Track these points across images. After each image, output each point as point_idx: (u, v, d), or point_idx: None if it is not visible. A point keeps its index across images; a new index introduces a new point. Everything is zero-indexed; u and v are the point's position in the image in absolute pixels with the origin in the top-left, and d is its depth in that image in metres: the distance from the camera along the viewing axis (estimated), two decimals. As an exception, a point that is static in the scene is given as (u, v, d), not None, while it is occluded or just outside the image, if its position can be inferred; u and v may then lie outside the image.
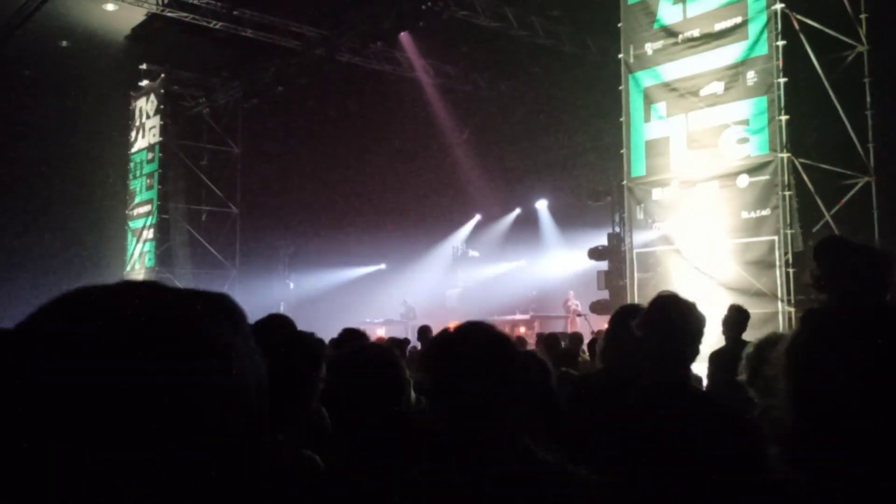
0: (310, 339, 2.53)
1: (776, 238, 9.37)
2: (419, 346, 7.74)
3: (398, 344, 6.92)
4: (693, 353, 2.40)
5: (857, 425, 1.08)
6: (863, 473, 1.08)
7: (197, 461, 0.66)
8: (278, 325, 3.34)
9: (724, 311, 5.33)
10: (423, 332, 8.04)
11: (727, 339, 5.16)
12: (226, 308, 0.76)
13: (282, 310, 20.44)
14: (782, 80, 9.41)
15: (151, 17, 16.19)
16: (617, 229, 12.93)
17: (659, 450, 1.68)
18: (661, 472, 1.64)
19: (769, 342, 2.46)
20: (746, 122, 9.78)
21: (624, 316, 2.90)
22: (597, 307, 12.70)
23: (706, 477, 1.57)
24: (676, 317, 2.35)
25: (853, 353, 1.12)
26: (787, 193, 9.38)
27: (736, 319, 5.19)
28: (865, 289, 1.35)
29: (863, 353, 1.11)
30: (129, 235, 20.59)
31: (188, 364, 0.66)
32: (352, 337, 4.64)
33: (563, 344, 7.39)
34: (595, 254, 13.29)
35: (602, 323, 12.48)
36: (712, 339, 5.16)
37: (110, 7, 15.94)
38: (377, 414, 2.12)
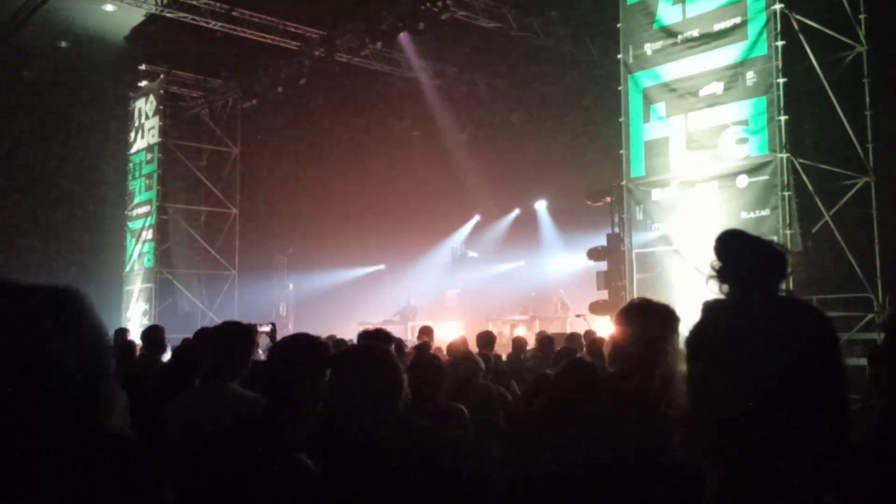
0: (313, 343, 2.46)
1: (775, 238, 9.35)
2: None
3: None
4: (654, 358, 2.39)
5: (748, 408, 1.13)
6: (757, 456, 1.12)
7: None
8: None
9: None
10: (425, 331, 8.02)
11: None
12: (51, 306, 0.79)
13: (282, 310, 20.51)
14: (781, 81, 9.40)
15: (151, 18, 16.18)
16: (616, 230, 12.92)
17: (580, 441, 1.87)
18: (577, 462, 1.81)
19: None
20: (746, 123, 9.77)
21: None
22: (596, 308, 12.70)
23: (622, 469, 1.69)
24: (637, 323, 2.38)
25: (744, 339, 1.18)
26: (786, 194, 9.37)
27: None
28: (760, 280, 1.48)
29: (753, 339, 1.17)
30: (129, 236, 20.57)
31: None
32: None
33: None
34: (594, 254, 13.28)
35: (603, 323, 12.48)
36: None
37: (110, 7, 15.93)
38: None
